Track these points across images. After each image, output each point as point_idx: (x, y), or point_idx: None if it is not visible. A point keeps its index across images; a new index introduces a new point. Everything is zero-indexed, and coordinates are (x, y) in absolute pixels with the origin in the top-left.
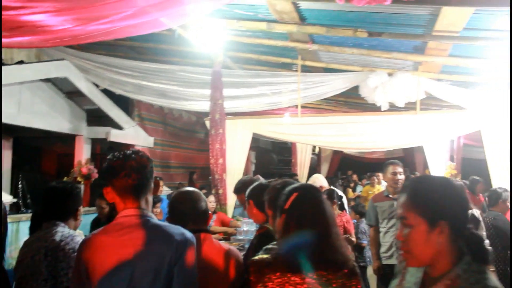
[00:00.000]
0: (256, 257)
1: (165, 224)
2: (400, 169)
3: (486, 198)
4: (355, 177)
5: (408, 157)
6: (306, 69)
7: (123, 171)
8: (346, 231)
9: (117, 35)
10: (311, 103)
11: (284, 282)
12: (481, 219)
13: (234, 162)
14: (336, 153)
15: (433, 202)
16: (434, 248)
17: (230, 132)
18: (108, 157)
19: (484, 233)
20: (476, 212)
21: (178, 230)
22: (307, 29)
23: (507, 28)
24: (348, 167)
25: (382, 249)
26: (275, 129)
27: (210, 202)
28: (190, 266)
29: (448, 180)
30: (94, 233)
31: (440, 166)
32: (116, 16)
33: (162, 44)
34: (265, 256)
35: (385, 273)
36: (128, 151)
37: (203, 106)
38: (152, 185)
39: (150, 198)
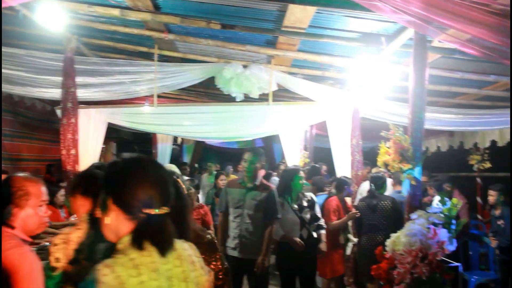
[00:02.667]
0: None
1: None
2: (245, 157)
3: (372, 184)
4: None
5: (268, 147)
6: (164, 59)
7: None
8: (204, 223)
9: None
10: (171, 93)
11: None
12: (316, 200)
13: (88, 153)
14: (199, 144)
15: (104, 179)
16: (107, 221)
17: (83, 121)
18: None
19: (318, 213)
20: (311, 194)
21: None
22: (162, 18)
23: (347, 28)
24: (211, 157)
25: (229, 239)
26: (132, 119)
27: (62, 195)
28: None
29: (127, 163)
30: None
31: (294, 155)
32: None
33: (5, 25)
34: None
35: (230, 265)
36: None
37: (54, 93)
38: None
39: None
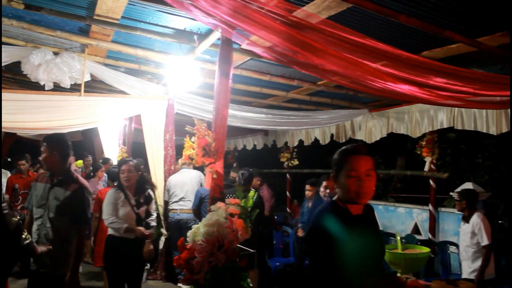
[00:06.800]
0: None
1: None
2: (42, 145)
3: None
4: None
5: (87, 141)
6: None
7: None
8: None
9: None
10: None
11: None
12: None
13: None
14: (9, 135)
15: None
16: None
17: None
18: None
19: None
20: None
21: None
22: None
23: (160, 23)
24: (24, 150)
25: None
26: None
27: None
28: None
29: None
30: None
31: (113, 149)
32: None
33: None
34: None
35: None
36: None
37: None
38: None
39: None
